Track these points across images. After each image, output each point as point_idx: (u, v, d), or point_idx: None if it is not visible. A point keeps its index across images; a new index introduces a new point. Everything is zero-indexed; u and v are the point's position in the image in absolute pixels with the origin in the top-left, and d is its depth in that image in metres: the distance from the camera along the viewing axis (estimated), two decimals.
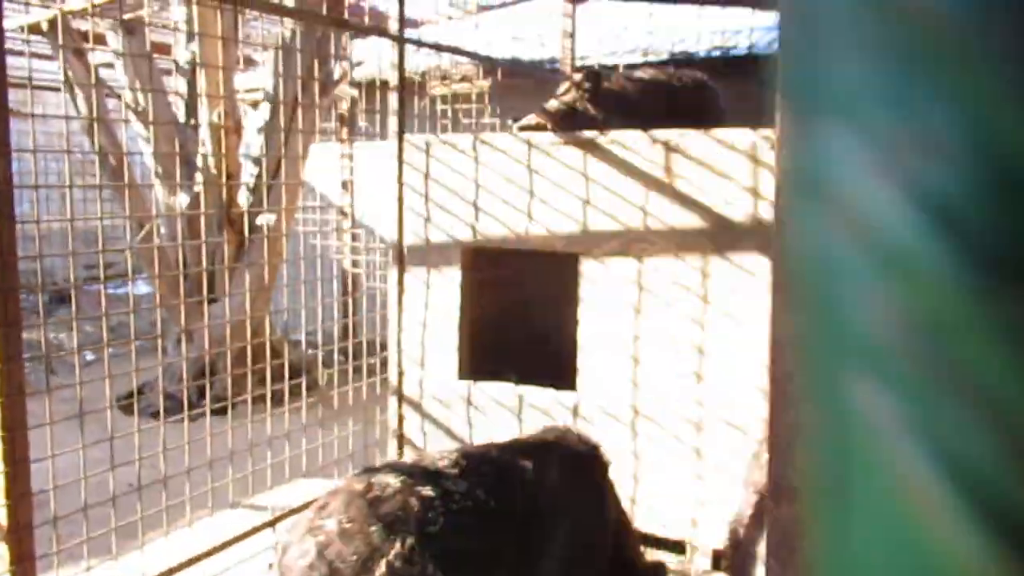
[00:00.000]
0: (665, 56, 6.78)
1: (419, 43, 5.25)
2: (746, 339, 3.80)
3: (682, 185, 3.94)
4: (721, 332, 3.87)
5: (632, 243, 4.07)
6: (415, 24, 5.95)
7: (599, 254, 4.16)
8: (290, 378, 4.30)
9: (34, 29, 5.07)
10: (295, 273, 6.22)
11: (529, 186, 4.32)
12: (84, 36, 6.36)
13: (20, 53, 5.98)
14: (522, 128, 4.57)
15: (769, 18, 7.02)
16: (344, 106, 6.86)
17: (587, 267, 4.18)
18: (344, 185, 6.65)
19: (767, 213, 3.73)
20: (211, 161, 5.90)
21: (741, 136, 3.80)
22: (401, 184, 4.70)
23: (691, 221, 3.93)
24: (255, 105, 6.55)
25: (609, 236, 4.13)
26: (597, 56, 7.23)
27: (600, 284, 4.15)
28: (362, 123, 7.03)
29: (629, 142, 4.05)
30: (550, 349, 4.68)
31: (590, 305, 4.19)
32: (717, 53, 6.63)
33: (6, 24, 2.60)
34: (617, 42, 7.64)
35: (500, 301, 4.98)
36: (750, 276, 3.81)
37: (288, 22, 5.61)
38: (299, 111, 5.72)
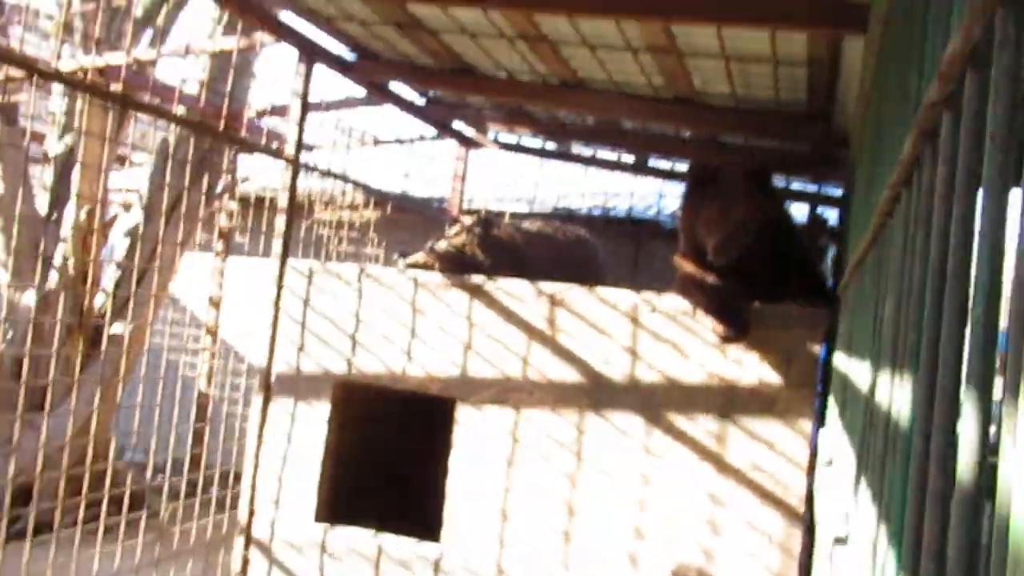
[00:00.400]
0: (550, 209, 7.03)
1: (314, 168, 5.21)
2: (619, 498, 3.77)
3: (564, 339, 3.97)
4: (594, 490, 3.82)
5: (510, 392, 4.03)
6: (309, 148, 5.94)
7: (476, 401, 4.08)
8: (129, 508, 3.88)
9: None
10: (148, 391, 5.79)
11: (411, 325, 4.25)
12: None
13: None
14: (410, 265, 4.54)
15: (650, 185, 7.48)
16: (224, 220, 6.67)
17: (462, 413, 4.08)
18: (213, 302, 6.35)
19: (644, 374, 3.79)
20: (70, 262, 5.51)
21: (624, 296, 3.90)
22: (278, 309, 4.52)
23: (570, 375, 3.94)
24: (127, 207, 6.26)
25: (487, 383, 4.08)
26: (485, 201, 7.43)
27: (474, 432, 4.05)
28: (241, 239, 6.82)
29: (515, 291, 4.08)
30: (417, 496, 4.48)
31: (462, 453, 4.06)
32: (598, 212, 6.94)
33: None
34: (505, 190, 7.90)
35: (369, 441, 4.77)
36: (623, 435, 3.81)
37: (175, 127, 5.47)
38: (174, 219, 5.50)
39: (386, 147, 6.40)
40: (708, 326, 3.65)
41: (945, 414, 0.70)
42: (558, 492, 3.87)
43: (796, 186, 5.94)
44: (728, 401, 3.64)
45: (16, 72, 3.78)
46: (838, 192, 5.65)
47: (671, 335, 3.77)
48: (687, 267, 3.70)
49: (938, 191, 0.80)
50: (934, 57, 0.89)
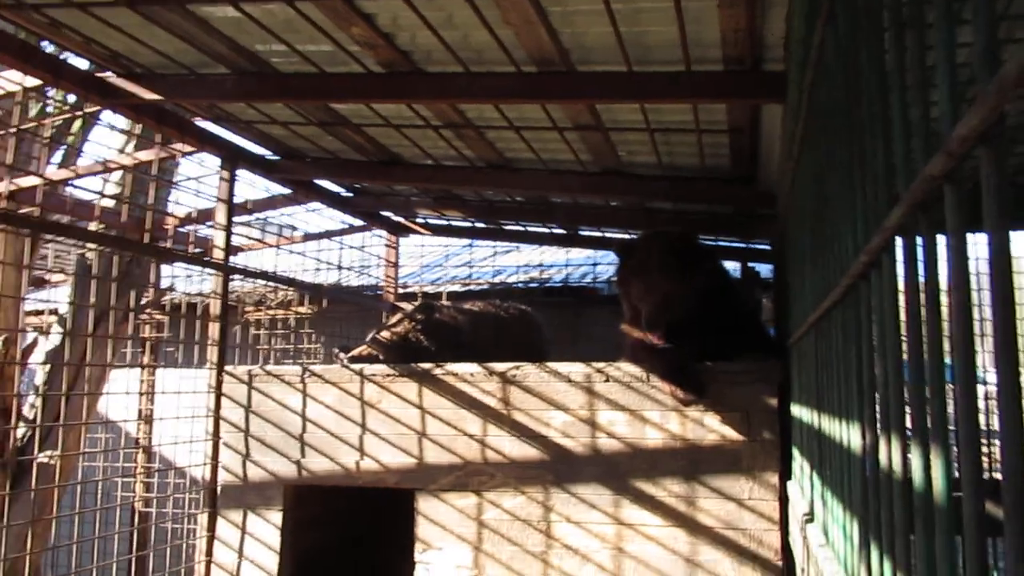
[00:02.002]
0: (486, 286, 7.05)
1: (245, 272, 5.11)
2: (593, 573, 3.69)
3: (520, 417, 3.93)
4: (567, 567, 3.74)
5: (471, 476, 3.94)
6: (236, 251, 5.83)
7: (435, 489, 3.98)
8: None
9: None
10: (80, 522, 5.44)
11: (361, 419, 4.14)
12: None
13: None
14: (352, 359, 4.46)
15: (581, 255, 7.60)
16: (150, 331, 6.44)
17: (423, 503, 3.97)
18: (144, 418, 6.07)
19: (605, 444, 3.77)
20: None
21: (576, 369, 3.91)
22: (218, 418, 4.35)
23: (530, 453, 3.89)
24: (46, 330, 5.98)
25: (446, 469, 3.99)
26: (419, 285, 7.40)
27: (438, 520, 3.94)
28: (170, 349, 6.59)
29: (465, 373, 4.04)
30: None
31: (427, 542, 3.94)
32: (535, 284, 7.00)
33: None
34: (439, 271, 7.90)
35: (329, 541, 4.58)
36: (591, 508, 3.77)
37: (92, 245, 5.29)
38: (98, 337, 5.27)
39: (316, 241, 6.34)
40: (664, 390, 3.68)
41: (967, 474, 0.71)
42: (530, 573, 3.78)
43: (725, 243, 6.13)
44: (692, 462, 3.65)
45: None
46: (765, 247, 5.85)
47: (628, 402, 3.78)
48: (635, 334, 3.74)
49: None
50: (919, 132, 0.93)
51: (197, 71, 3.49)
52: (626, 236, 6.27)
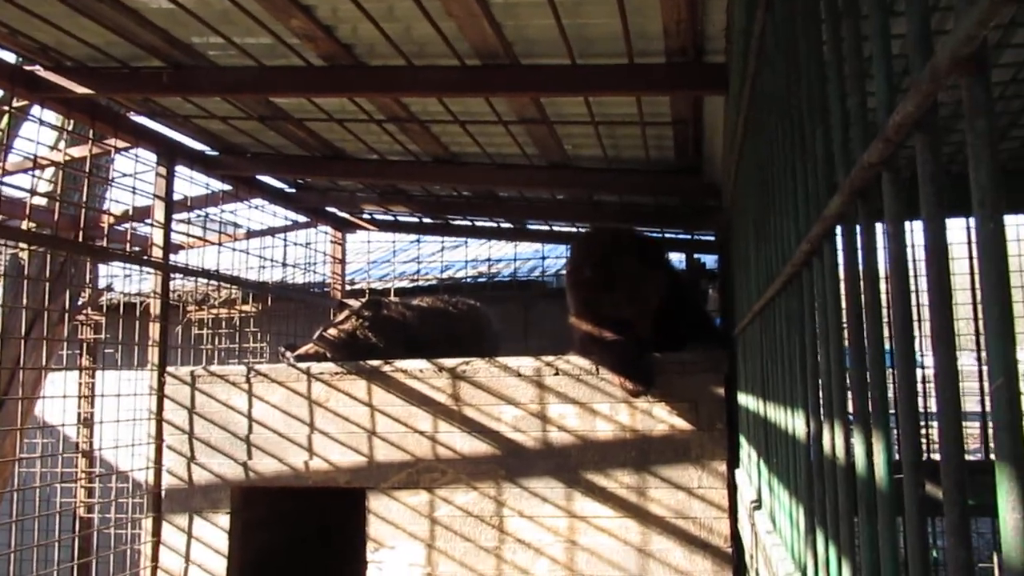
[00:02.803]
0: (434, 281, 7.01)
1: (185, 270, 4.99)
2: (546, 566, 3.70)
3: (470, 412, 3.91)
4: (520, 561, 3.74)
5: (422, 474, 3.92)
6: (177, 249, 5.69)
7: (387, 487, 3.94)
8: None
9: None
10: (19, 530, 5.25)
11: (309, 418, 4.08)
12: None
13: None
14: (299, 357, 4.38)
15: (529, 249, 7.59)
16: (88, 332, 6.24)
17: (374, 501, 3.93)
18: (84, 421, 5.89)
19: (556, 437, 3.78)
20: None
21: (525, 363, 3.90)
22: (160, 421, 4.24)
23: (481, 448, 3.87)
24: None
25: (397, 467, 3.95)
26: (367, 281, 7.32)
27: (389, 518, 3.90)
28: (109, 351, 6.40)
29: (414, 370, 4.01)
30: None
31: (379, 541, 3.90)
32: (483, 279, 6.97)
33: None
34: (387, 267, 7.82)
35: (278, 542, 4.50)
36: (543, 502, 3.77)
37: (23, 245, 5.11)
38: (33, 340, 5.09)
39: (259, 238, 6.21)
40: (614, 382, 3.69)
41: (908, 457, 0.72)
42: (483, 570, 3.77)
43: (671, 235, 6.19)
44: (643, 453, 3.67)
45: None
46: (710, 237, 5.92)
47: (578, 395, 3.79)
48: (584, 327, 3.75)
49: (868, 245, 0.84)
50: (857, 120, 0.93)
51: (130, 64, 3.38)
52: (573, 229, 6.29)
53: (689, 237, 6.13)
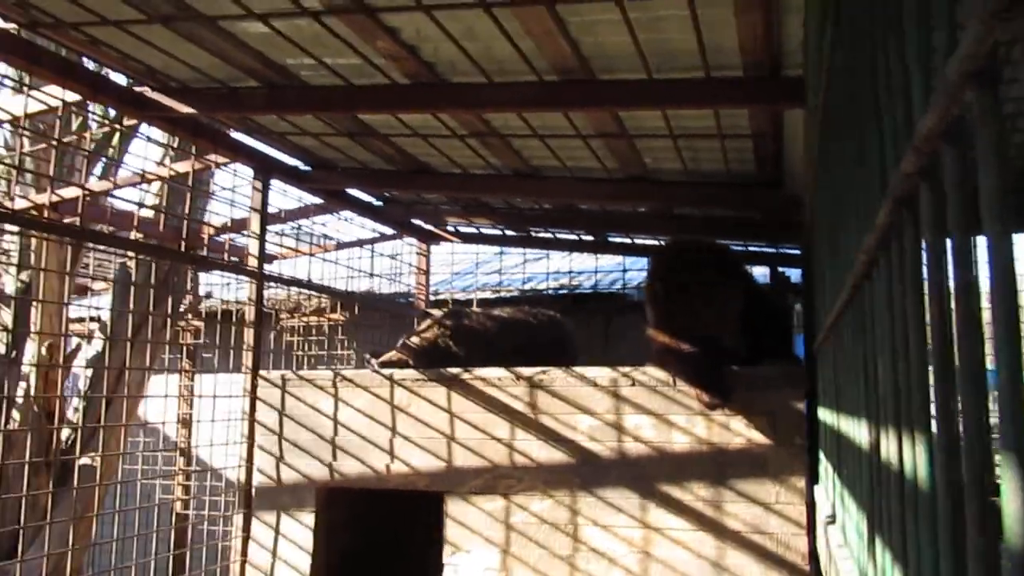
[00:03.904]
0: (516, 293, 7.10)
1: (278, 279, 5.22)
2: None
3: (547, 421, 3.97)
4: (594, 573, 3.76)
5: (498, 480, 3.99)
6: (271, 259, 5.96)
7: (464, 492, 4.03)
8: None
9: None
10: (121, 522, 5.59)
11: (391, 423, 4.21)
12: None
13: None
14: (383, 364, 4.53)
15: (611, 261, 7.61)
16: (189, 338, 6.59)
17: (452, 506, 4.03)
18: (183, 422, 6.22)
19: (631, 448, 3.79)
20: (33, 399, 5.38)
21: (602, 373, 3.93)
22: (253, 422, 4.45)
23: (557, 456, 3.92)
24: (88, 336, 6.16)
25: (474, 473, 4.04)
26: (450, 292, 7.48)
27: (466, 522, 3.99)
28: (208, 355, 6.73)
29: (493, 378, 4.09)
30: None
31: (455, 545, 3.99)
32: (565, 291, 7.03)
33: None
34: (470, 279, 7.97)
35: (359, 543, 4.65)
36: (618, 512, 3.79)
37: (131, 254, 5.45)
38: (139, 343, 5.42)
39: (348, 249, 6.44)
40: (691, 395, 3.69)
41: (971, 467, 0.73)
42: None
43: (755, 248, 6.11)
44: (719, 466, 3.65)
45: None
46: (795, 251, 5.82)
47: (654, 406, 3.80)
48: (662, 339, 3.76)
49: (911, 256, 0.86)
50: (902, 131, 0.96)
51: (229, 85, 3.60)
52: (655, 242, 6.28)
53: (774, 250, 6.04)
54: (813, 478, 3.71)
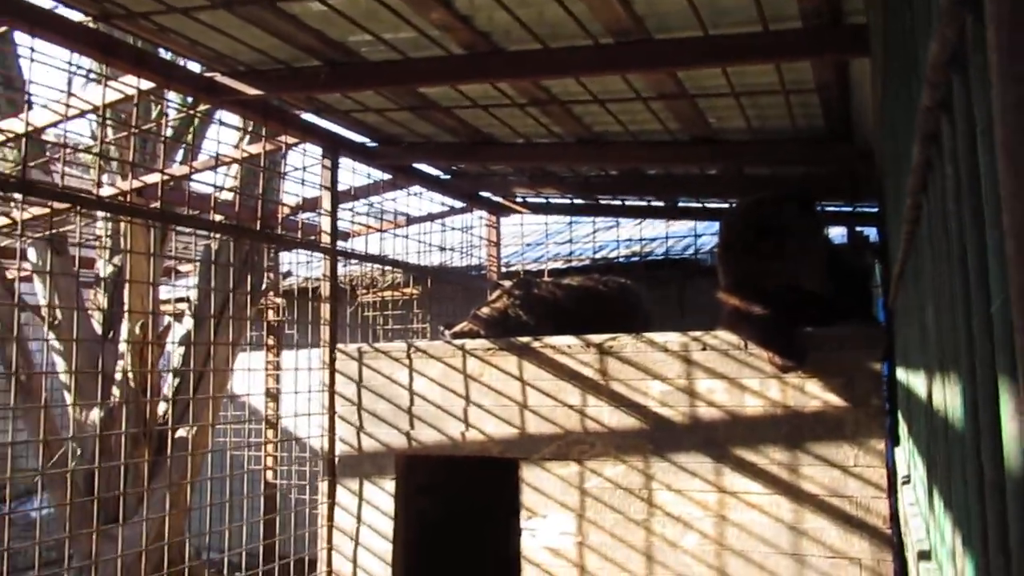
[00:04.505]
0: (587, 262, 7.08)
1: (350, 255, 5.35)
2: (695, 541, 3.70)
3: (618, 387, 3.97)
4: (669, 534, 3.76)
5: (572, 446, 4.02)
6: (345, 236, 6.10)
7: (538, 458, 4.08)
8: None
9: None
10: (217, 489, 5.88)
11: (465, 392, 4.29)
12: (3, 252, 6.26)
13: None
14: (455, 335, 4.60)
15: (682, 227, 7.50)
16: (272, 315, 6.83)
17: (526, 472, 4.08)
18: (270, 395, 6.47)
19: (704, 412, 3.76)
20: (130, 375, 5.69)
21: (672, 338, 3.90)
22: (332, 393, 4.60)
23: (629, 422, 3.92)
24: (179, 317, 6.46)
25: (547, 439, 4.08)
26: (522, 263, 7.51)
27: (541, 488, 4.04)
28: (290, 331, 6.97)
29: (563, 346, 4.11)
30: (494, 555, 4.46)
31: (532, 510, 4.05)
32: (636, 258, 6.97)
33: None
34: (541, 250, 7.98)
35: (438, 509, 4.77)
36: (692, 476, 3.77)
37: (215, 234, 5.67)
38: (224, 322, 5.65)
39: (421, 224, 6.54)
40: (763, 358, 3.63)
41: (990, 412, 0.72)
42: (632, 541, 3.83)
43: (831, 208, 5.92)
44: (795, 429, 3.59)
45: (61, 205, 3.99)
46: (872, 208, 5.61)
47: (726, 370, 3.75)
48: (733, 301, 3.71)
49: (949, 191, 0.83)
50: (922, 65, 0.92)
51: (292, 65, 3.68)
52: (726, 205, 6.15)
53: (851, 209, 5.84)
54: (895, 441, 3.62)
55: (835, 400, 3.53)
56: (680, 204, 6.44)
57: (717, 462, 3.72)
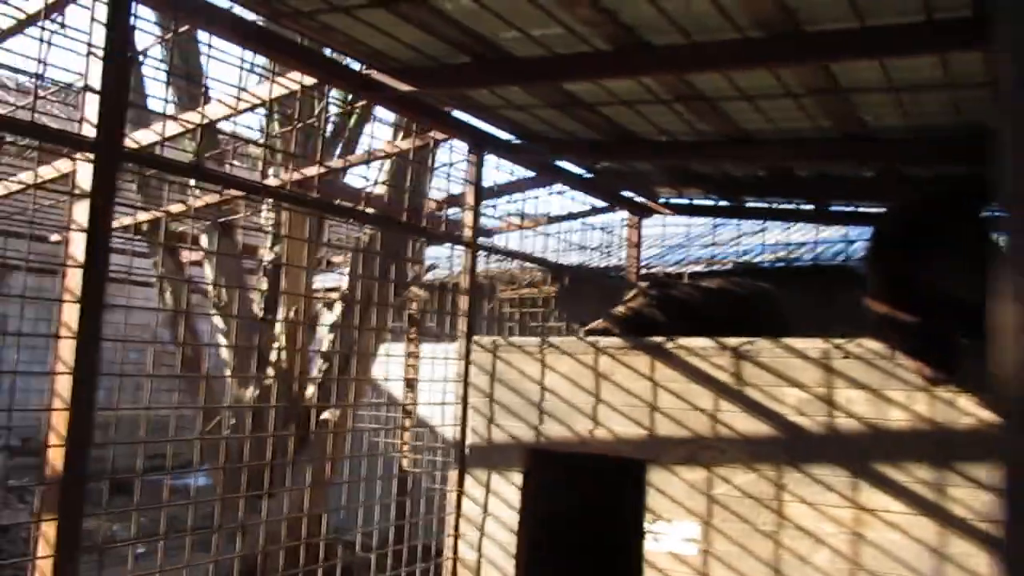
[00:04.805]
0: (729, 266, 6.91)
1: (491, 249, 5.47)
2: (827, 558, 3.54)
3: (752, 393, 3.86)
4: (799, 549, 3.62)
5: (702, 450, 3.95)
6: (488, 233, 6.25)
7: (667, 461, 4.02)
8: None
9: (135, 229, 5.47)
10: (355, 470, 6.16)
11: (595, 390, 4.30)
12: (178, 237, 6.84)
13: (122, 251, 6.43)
14: (589, 332, 4.62)
15: (834, 233, 7.17)
16: (414, 306, 7.08)
17: (654, 474, 4.04)
18: (409, 383, 6.71)
19: (844, 423, 3.60)
20: (283, 356, 6.07)
21: (812, 344, 3.76)
22: (466, 384, 4.72)
23: (763, 430, 3.81)
24: (330, 304, 6.83)
25: (677, 443, 4.02)
26: (662, 266, 7.42)
27: (668, 492, 3.99)
28: (431, 323, 7.22)
29: (697, 348, 4.04)
30: (614, 557, 4.44)
31: (657, 513, 4.00)
32: (781, 264, 6.74)
33: (112, 224, 2.81)
34: (682, 252, 7.87)
35: (562, 506, 4.80)
36: (827, 490, 3.61)
37: (367, 226, 5.95)
38: (371, 310, 5.92)
39: (561, 223, 6.61)
40: (911, 368, 3.43)
41: None
42: (760, 553, 3.71)
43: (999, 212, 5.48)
44: (943, 447, 3.37)
45: (232, 192, 4.33)
46: None
47: (869, 380, 3.57)
48: (881, 307, 3.53)
49: None
50: None
51: (442, 61, 3.82)
52: (882, 209, 5.83)
53: None
54: None
55: (990, 417, 3.29)
56: (832, 208, 6.16)
57: (854, 477, 3.55)
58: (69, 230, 2.64)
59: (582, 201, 6.43)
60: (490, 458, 4.57)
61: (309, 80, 4.03)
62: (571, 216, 6.63)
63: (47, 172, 4.54)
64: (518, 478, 4.47)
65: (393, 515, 5.69)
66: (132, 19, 2.83)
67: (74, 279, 2.65)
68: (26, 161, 5.25)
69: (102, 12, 2.69)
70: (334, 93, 5.55)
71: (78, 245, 2.63)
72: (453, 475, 4.70)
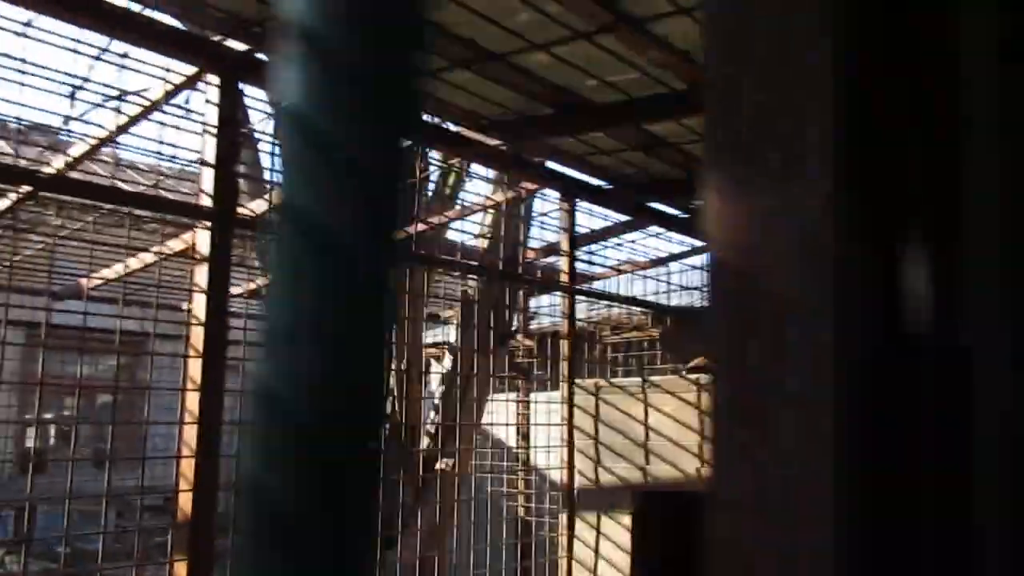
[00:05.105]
0: None
1: (587, 293, 5.57)
2: None
3: None
4: None
5: None
6: (591, 279, 6.34)
7: None
8: None
9: (254, 294, 5.86)
10: (472, 517, 6.27)
11: (700, 427, 4.27)
12: None
13: (240, 315, 6.86)
14: (691, 370, 4.61)
15: None
16: (521, 355, 7.21)
17: None
18: (519, 431, 6.81)
19: None
20: (396, 406, 6.30)
21: None
22: (571, 427, 4.78)
23: None
24: (438, 357, 7.05)
25: None
26: None
27: None
28: (538, 371, 7.32)
29: None
30: None
31: None
32: None
33: (232, 290, 3.07)
34: None
35: (674, 547, 4.73)
36: None
37: (471, 280, 6.16)
38: (478, 360, 6.07)
39: (660, 266, 6.62)
40: None
41: None
42: None
43: None
44: None
45: None
46: None
47: None
48: None
49: None
50: None
51: (527, 114, 4.00)
52: None
53: None
54: None
55: None
56: None
57: None
58: (191, 291, 2.92)
59: (679, 241, 6.44)
60: (598, 500, 4.58)
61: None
62: (672, 258, 6.63)
63: (175, 244, 4.97)
64: (626, 519, 4.46)
65: (504, 558, 5.75)
66: (241, 98, 3.14)
67: (197, 338, 2.91)
68: (157, 236, 5.76)
69: (215, 94, 3.00)
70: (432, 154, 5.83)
71: (199, 305, 2.91)
72: (563, 518, 4.73)
